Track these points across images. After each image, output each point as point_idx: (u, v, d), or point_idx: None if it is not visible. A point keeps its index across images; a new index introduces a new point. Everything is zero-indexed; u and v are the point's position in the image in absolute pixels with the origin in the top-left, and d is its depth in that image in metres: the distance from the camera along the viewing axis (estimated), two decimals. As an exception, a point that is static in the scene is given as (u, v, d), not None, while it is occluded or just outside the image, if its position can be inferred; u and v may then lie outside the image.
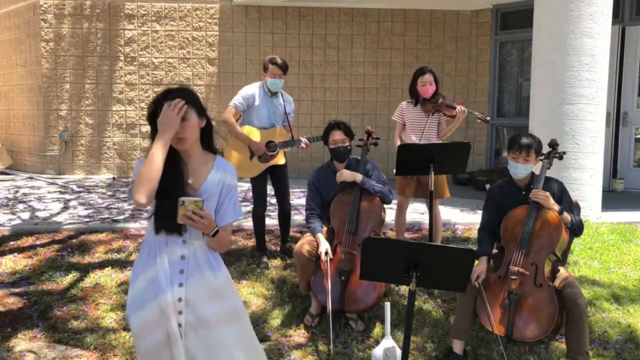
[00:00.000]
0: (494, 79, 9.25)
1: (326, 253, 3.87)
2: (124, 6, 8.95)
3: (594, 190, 5.91)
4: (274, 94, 4.85)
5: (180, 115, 2.25)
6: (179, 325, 2.32)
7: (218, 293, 2.39)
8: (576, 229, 3.48)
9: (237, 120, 4.78)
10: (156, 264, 2.32)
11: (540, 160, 3.63)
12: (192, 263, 2.35)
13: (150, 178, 2.18)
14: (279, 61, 4.75)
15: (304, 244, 3.98)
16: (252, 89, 4.82)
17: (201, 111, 2.37)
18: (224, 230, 2.38)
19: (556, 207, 3.41)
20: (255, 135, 4.79)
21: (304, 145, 4.80)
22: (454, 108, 4.64)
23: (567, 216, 3.42)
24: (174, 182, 2.29)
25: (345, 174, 4.06)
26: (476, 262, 3.46)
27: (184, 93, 2.34)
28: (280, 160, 4.86)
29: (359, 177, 4.04)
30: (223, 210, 2.39)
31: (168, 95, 2.32)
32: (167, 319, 2.29)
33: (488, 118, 4.71)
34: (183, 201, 2.19)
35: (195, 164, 2.38)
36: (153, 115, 2.32)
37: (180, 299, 2.31)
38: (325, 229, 4.14)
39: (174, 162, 2.33)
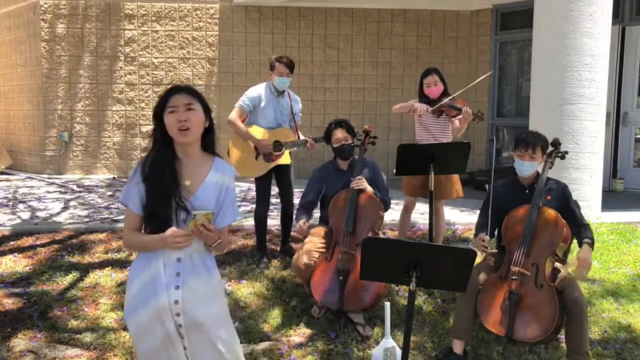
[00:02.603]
0: (494, 79, 9.24)
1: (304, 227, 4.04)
2: (124, 6, 8.94)
3: (594, 190, 5.90)
4: (280, 94, 4.84)
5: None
6: (180, 326, 2.32)
7: (213, 294, 2.40)
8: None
9: (243, 121, 4.78)
10: (150, 267, 2.32)
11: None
12: (188, 265, 2.34)
13: (140, 249, 2.39)
14: (285, 59, 4.74)
15: (300, 257, 3.99)
16: (259, 90, 4.80)
17: (206, 110, 2.37)
18: (222, 233, 2.37)
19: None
20: (262, 135, 4.77)
21: (309, 146, 4.78)
22: (459, 109, 4.58)
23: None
24: (169, 184, 2.29)
25: (365, 184, 4.06)
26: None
27: (189, 90, 2.35)
28: (285, 159, 4.85)
29: (370, 190, 4.09)
30: (222, 212, 2.39)
31: (173, 91, 2.33)
32: (163, 321, 2.30)
33: (479, 113, 4.57)
34: (195, 215, 2.22)
35: (193, 166, 2.37)
36: (159, 112, 2.32)
37: (177, 302, 2.30)
38: (324, 230, 4.14)
39: (171, 164, 2.33)
